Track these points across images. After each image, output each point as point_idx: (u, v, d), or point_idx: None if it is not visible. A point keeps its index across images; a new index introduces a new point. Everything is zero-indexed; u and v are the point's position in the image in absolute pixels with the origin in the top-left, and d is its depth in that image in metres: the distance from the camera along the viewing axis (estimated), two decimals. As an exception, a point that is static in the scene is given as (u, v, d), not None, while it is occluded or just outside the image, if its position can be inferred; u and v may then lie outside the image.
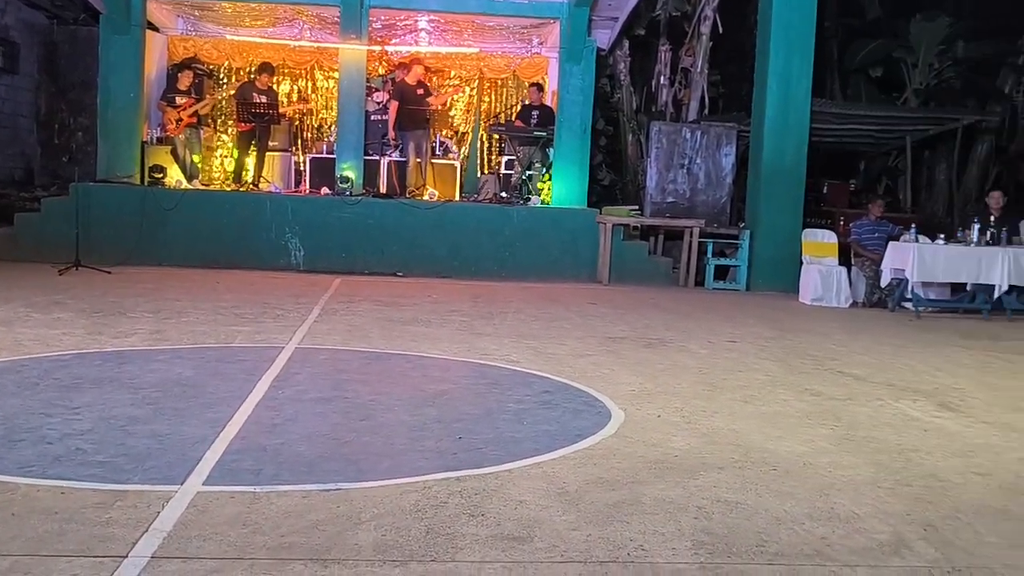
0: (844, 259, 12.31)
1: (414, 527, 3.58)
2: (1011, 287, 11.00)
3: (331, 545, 3.38)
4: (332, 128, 15.55)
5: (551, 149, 14.29)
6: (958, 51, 17.32)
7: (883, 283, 11.41)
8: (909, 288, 11.08)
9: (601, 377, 6.62)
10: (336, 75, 14.97)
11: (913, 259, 10.79)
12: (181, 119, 13.56)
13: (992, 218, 11.60)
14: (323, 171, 14.19)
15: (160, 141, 14.09)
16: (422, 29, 15.34)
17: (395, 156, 14.24)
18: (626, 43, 16.03)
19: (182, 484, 3.95)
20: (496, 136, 15.95)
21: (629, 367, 7.06)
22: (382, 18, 14.72)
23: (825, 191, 16.09)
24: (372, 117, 14.52)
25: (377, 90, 14.96)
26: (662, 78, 16.21)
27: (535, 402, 5.80)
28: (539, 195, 14.27)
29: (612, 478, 4.32)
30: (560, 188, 14.14)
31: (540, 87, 15.33)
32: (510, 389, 6.15)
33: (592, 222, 13.37)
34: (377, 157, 14.26)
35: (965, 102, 17.38)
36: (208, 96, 14.45)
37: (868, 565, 3.45)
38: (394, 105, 13.62)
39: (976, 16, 16.87)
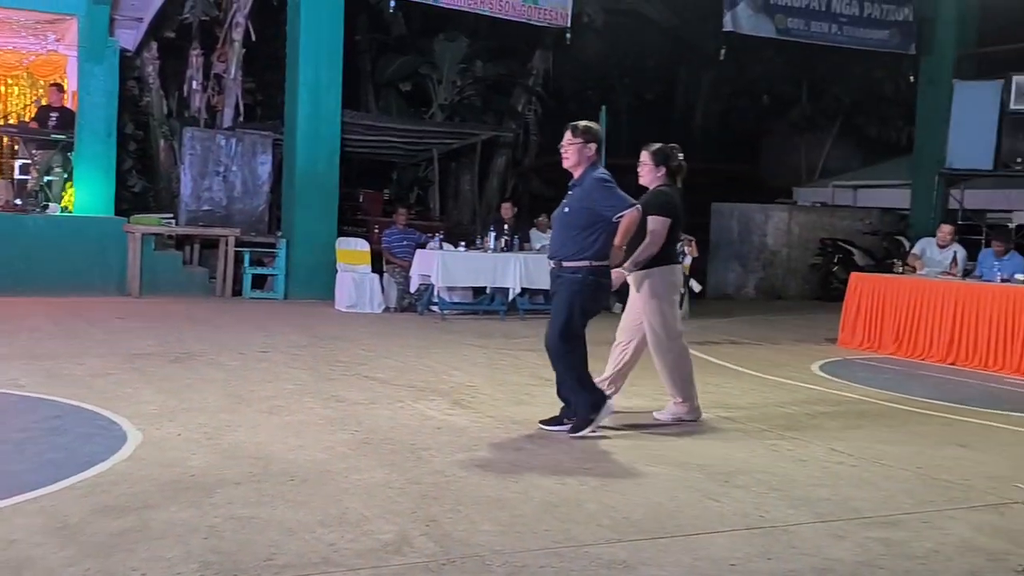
0: (377, 266, 12.79)
1: None
2: (524, 289, 12.08)
3: None
4: None
5: (73, 153, 13.36)
6: (477, 70, 18.69)
7: (412, 288, 12.04)
8: (435, 293, 11.79)
9: (121, 397, 6.31)
10: None
11: (437, 265, 11.48)
12: None
13: (506, 227, 12.67)
14: None
15: None
16: (-89, 15, 13.62)
17: None
18: (155, 45, 15.41)
19: None
20: (8, 138, 14.61)
21: (153, 384, 6.81)
22: None
23: (361, 200, 16.57)
24: None
25: None
26: (194, 83, 15.79)
27: (41, 429, 5.39)
28: (60, 202, 13.27)
29: (120, 505, 4.13)
30: (84, 195, 13.26)
31: (60, 87, 14.23)
32: (13, 417, 5.67)
33: (120, 231, 12.70)
34: None
35: (485, 118, 18.81)
36: None
37: (371, 567, 3.61)
38: None
39: (492, 38, 18.31)
